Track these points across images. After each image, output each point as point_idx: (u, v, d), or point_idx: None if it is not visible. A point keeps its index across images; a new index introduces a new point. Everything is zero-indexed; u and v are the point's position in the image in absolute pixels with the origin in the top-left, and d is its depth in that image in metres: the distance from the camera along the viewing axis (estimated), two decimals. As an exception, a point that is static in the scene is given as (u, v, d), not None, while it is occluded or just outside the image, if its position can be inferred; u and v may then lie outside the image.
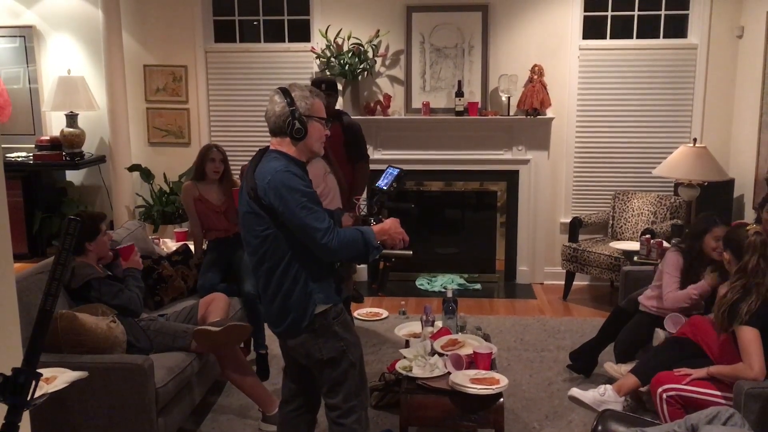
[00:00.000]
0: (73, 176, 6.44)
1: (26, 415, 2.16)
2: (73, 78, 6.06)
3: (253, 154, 2.59)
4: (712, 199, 5.12)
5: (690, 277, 3.70)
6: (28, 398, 1.43)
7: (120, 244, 3.78)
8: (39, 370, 1.47)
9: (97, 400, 2.98)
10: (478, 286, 5.93)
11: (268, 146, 2.55)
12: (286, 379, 2.84)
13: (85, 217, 3.38)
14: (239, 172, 4.57)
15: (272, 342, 4.51)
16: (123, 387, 2.97)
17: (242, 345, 4.01)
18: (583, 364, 4.10)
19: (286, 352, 2.74)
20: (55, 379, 2.51)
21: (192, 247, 4.53)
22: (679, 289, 3.70)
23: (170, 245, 4.94)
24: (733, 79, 5.73)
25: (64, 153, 6.09)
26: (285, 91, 2.48)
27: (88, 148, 6.26)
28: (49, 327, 2.15)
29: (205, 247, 4.51)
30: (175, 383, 3.19)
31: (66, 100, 6.00)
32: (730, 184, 5.43)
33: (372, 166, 5.73)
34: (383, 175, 2.94)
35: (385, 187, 2.87)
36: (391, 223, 2.62)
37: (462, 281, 5.99)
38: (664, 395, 3.05)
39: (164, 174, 6.16)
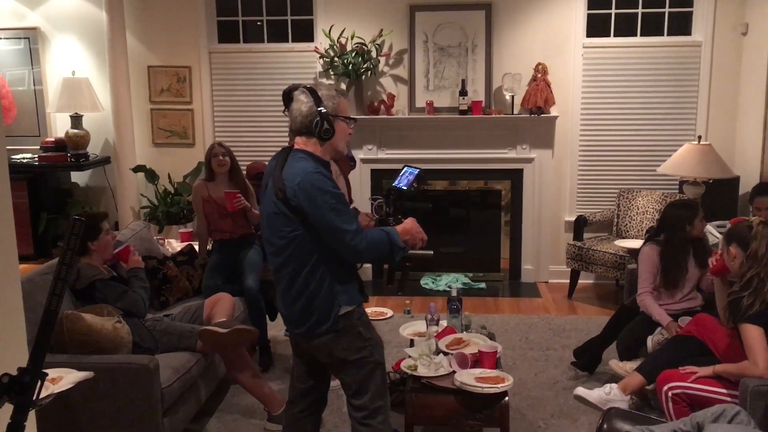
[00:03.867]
0: (78, 177, 6.46)
1: (32, 415, 2.17)
2: (78, 79, 6.07)
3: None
4: (717, 196, 5.10)
5: (670, 266, 3.79)
6: (34, 398, 1.44)
7: (123, 245, 3.78)
8: (45, 370, 1.48)
9: (102, 400, 2.99)
10: (482, 285, 5.93)
11: (292, 146, 2.52)
12: (292, 379, 2.83)
13: (86, 217, 3.38)
14: (244, 171, 4.60)
15: (277, 340, 4.52)
16: (129, 387, 2.98)
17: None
18: (587, 361, 4.09)
19: (296, 352, 2.74)
20: (61, 379, 2.52)
21: (197, 248, 4.54)
22: (654, 283, 3.83)
23: (175, 245, 4.96)
24: (737, 76, 5.71)
25: (68, 154, 6.11)
26: (311, 91, 2.44)
27: (93, 149, 6.28)
28: (55, 327, 2.15)
29: (210, 247, 4.52)
30: (180, 383, 3.20)
31: (70, 102, 6.02)
32: (735, 181, 5.41)
33: (377, 166, 5.79)
34: (400, 175, 2.94)
35: (405, 188, 2.87)
36: (411, 223, 2.62)
37: (467, 280, 5.99)
38: (670, 393, 3.04)
39: (169, 175, 6.16)
